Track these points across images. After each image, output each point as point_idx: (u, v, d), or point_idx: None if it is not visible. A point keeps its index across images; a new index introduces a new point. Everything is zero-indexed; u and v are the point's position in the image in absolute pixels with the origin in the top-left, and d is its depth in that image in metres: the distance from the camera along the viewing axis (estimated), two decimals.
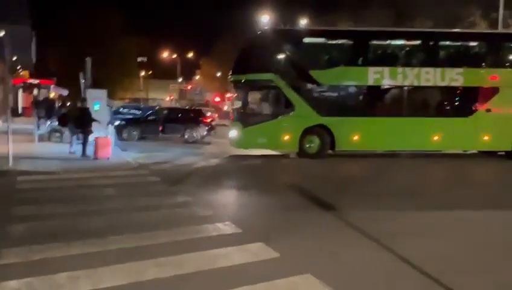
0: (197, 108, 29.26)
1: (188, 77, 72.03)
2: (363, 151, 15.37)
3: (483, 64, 15.26)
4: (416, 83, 14.69)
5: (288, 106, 14.53)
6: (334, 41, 15.73)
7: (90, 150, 13.02)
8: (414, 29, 20.81)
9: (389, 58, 15.12)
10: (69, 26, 42.40)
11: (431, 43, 15.39)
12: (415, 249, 5.58)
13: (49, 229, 6.12)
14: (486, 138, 14.79)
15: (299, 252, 5.47)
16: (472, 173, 13.38)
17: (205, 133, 20.32)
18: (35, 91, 30.29)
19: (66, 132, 15.03)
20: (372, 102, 15.21)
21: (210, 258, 5.12)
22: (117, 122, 19.06)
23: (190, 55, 67.75)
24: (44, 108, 20.20)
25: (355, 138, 14.57)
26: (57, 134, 16.64)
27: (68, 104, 25.48)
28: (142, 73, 65.43)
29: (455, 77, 14.63)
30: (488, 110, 14.78)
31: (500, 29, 22.12)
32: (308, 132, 14.52)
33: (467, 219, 7.31)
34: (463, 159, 15.63)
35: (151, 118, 20.69)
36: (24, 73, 37.86)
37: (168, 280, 4.53)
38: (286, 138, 14.52)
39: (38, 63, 48.65)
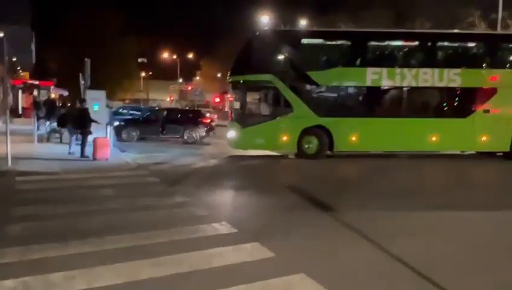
0: (196, 109, 29.33)
1: (188, 77, 72.15)
2: (362, 151, 15.40)
3: (481, 65, 15.28)
4: (414, 84, 14.74)
5: (287, 106, 14.57)
6: (332, 42, 15.78)
7: (89, 150, 13.06)
8: (412, 30, 20.86)
9: (387, 59, 15.17)
10: (69, 26, 42.51)
11: (429, 44, 15.44)
12: (411, 249, 5.60)
13: (47, 229, 6.16)
14: (484, 138, 14.83)
15: (294, 252, 5.50)
16: (470, 173, 13.41)
17: (204, 133, 20.37)
18: (35, 92, 30.40)
19: (65, 132, 15.08)
20: (370, 103, 15.25)
21: (206, 257, 5.15)
22: (116, 123, 19.12)
23: (190, 56, 67.91)
24: (45, 109, 20.25)
25: (354, 138, 14.62)
26: (56, 135, 16.69)
27: (68, 104, 25.50)
28: (143, 74, 65.57)
29: (453, 78, 14.67)
30: (486, 111, 14.82)
31: (499, 30, 22.19)
32: (306, 132, 14.56)
33: (464, 219, 7.32)
34: (461, 160, 15.66)
35: (150, 118, 20.75)
36: (24, 74, 37.95)
37: (164, 279, 4.56)
38: (284, 138, 14.56)
39: (38, 63, 48.73)
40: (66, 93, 34.26)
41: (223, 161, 14.42)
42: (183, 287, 4.38)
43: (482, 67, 15.19)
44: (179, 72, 66.05)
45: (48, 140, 16.90)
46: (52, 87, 32.11)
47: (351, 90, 15.51)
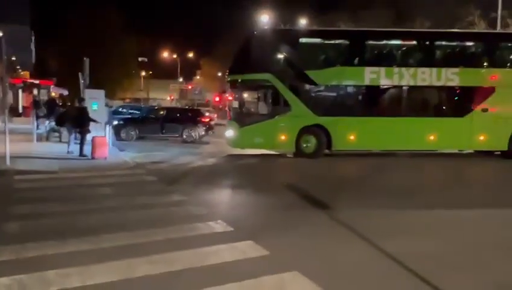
0: (195, 108, 29.37)
1: (189, 77, 72.23)
2: (360, 150, 15.43)
3: (479, 64, 15.31)
4: (412, 83, 14.79)
5: (285, 105, 14.61)
6: (330, 42, 15.84)
7: (87, 149, 13.12)
8: (410, 29, 20.89)
9: (385, 59, 15.21)
10: (69, 26, 42.50)
11: (427, 43, 15.49)
12: (407, 247, 5.62)
13: (44, 227, 6.20)
14: (482, 137, 14.87)
15: (289, 250, 5.53)
16: (468, 172, 13.47)
17: (203, 132, 20.42)
18: (35, 91, 30.45)
19: (65, 131, 15.14)
20: (369, 102, 15.29)
21: (200, 255, 5.19)
22: (115, 122, 19.19)
23: (190, 55, 67.98)
24: (46, 108, 20.31)
25: (352, 137, 14.66)
26: (56, 134, 16.75)
27: (68, 104, 25.56)
28: (143, 73, 65.62)
29: (451, 77, 14.71)
30: (484, 110, 14.85)
31: (499, 29, 22.20)
32: (304, 131, 14.60)
33: (461, 217, 7.34)
34: (459, 159, 15.72)
35: (149, 117, 20.81)
36: (24, 73, 38.03)
37: (158, 276, 4.60)
38: (283, 137, 14.61)
39: (38, 63, 48.82)
40: (66, 92, 34.28)
41: (222, 160, 14.47)
42: (176, 285, 4.42)
43: (480, 66, 15.22)
44: (179, 71, 66.13)
45: (47, 139, 16.96)
46: (52, 86, 32.15)
47: (349, 89, 15.56)
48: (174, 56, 66.51)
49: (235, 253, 5.31)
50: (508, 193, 9.81)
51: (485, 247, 5.83)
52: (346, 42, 15.57)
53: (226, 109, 16.83)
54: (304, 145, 14.68)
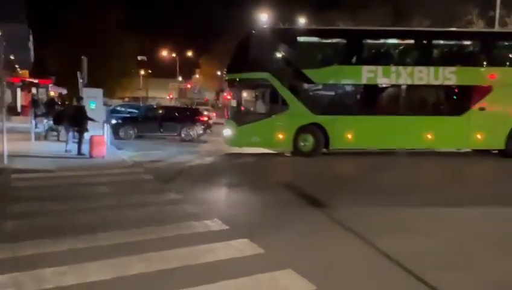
0: (193, 107, 29.39)
1: (188, 75, 72.27)
2: (357, 149, 15.46)
3: (477, 63, 15.32)
4: (409, 82, 14.81)
5: (282, 104, 14.63)
6: (327, 40, 15.85)
7: (85, 148, 13.14)
8: (407, 28, 20.92)
9: (382, 57, 15.23)
10: (68, 25, 42.45)
11: (424, 42, 15.50)
12: (403, 246, 5.65)
13: (40, 226, 6.24)
14: (479, 136, 14.91)
15: (283, 248, 5.56)
16: (464, 170, 13.50)
17: (201, 131, 20.45)
18: (33, 90, 30.48)
19: (63, 130, 15.15)
20: (366, 101, 15.30)
21: (195, 253, 5.22)
22: (114, 121, 19.21)
23: (189, 54, 67.99)
24: (45, 107, 20.34)
25: (349, 136, 14.69)
26: (54, 133, 16.77)
27: (67, 103, 25.60)
28: (142, 72, 65.62)
29: (448, 76, 14.74)
30: (481, 109, 14.88)
31: (497, 28, 22.23)
32: (302, 130, 14.63)
33: (458, 216, 7.37)
34: (456, 157, 15.75)
35: (147, 116, 20.83)
36: (23, 72, 38.01)
37: (153, 274, 4.63)
38: (280, 136, 14.63)
39: (37, 62, 48.77)
40: (64, 91, 34.30)
41: (219, 159, 14.51)
42: (170, 283, 4.45)
43: (478, 65, 15.23)
44: (178, 70, 66.15)
45: (46, 138, 16.97)
46: (50, 85, 32.19)
47: (346, 88, 15.59)
48: (173, 55, 66.54)
49: (230, 251, 5.34)
50: (505, 191, 9.84)
51: (482, 246, 5.86)
52: (344, 41, 15.58)
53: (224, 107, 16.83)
54: (302, 144, 14.71)
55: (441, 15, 28.16)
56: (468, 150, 16.11)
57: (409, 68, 14.77)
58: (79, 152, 13.14)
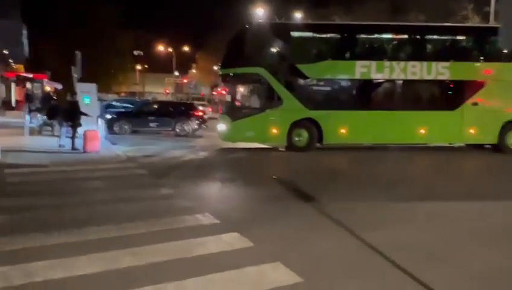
0: (188, 101, 29.37)
1: (184, 70, 72.05)
2: (351, 144, 15.52)
3: (470, 58, 15.37)
4: (402, 77, 14.85)
5: (276, 99, 14.64)
6: (321, 35, 15.83)
7: (79, 143, 13.14)
8: (400, 23, 20.93)
9: (375, 52, 15.25)
10: (63, 19, 42.22)
11: (417, 37, 15.51)
12: (391, 239, 5.71)
13: (32, 220, 6.27)
14: (472, 131, 14.98)
15: (273, 241, 5.61)
16: (457, 165, 13.59)
17: (196, 126, 20.44)
18: (28, 85, 30.33)
19: (57, 125, 15.13)
20: (359, 95, 15.36)
21: (185, 247, 5.27)
22: (109, 116, 19.19)
23: (186, 49, 67.80)
24: (41, 102, 20.27)
25: (343, 131, 14.73)
26: (48, 127, 16.74)
27: (60, 97, 25.45)
28: (138, 67, 65.44)
29: (441, 71, 14.77)
30: (475, 104, 14.94)
31: (492, 23, 22.24)
32: (296, 125, 14.66)
33: (446, 209, 7.44)
34: (449, 152, 15.85)
35: (142, 111, 20.80)
36: (18, 67, 37.83)
37: (142, 267, 4.68)
38: (274, 131, 14.66)
39: (32, 56, 48.52)
40: (60, 86, 34.09)
41: (213, 154, 14.54)
42: (160, 276, 4.49)
43: (471, 60, 15.27)
44: (174, 65, 65.96)
45: (40, 133, 16.94)
46: (45, 80, 32.00)
47: (340, 83, 15.62)
48: (170, 50, 66.35)
49: (220, 245, 5.39)
50: (495, 186, 9.90)
51: (469, 239, 5.92)
52: (337, 36, 15.60)
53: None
54: (296, 138, 14.75)
55: (436, 10, 28.20)
56: (462, 144, 16.19)
57: (403, 63, 14.80)
58: (73, 147, 13.15)
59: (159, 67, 68.75)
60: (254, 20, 25.17)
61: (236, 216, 6.79)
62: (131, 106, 23.32)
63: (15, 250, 5.08)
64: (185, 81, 61.68)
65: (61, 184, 8.83)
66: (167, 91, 61.76)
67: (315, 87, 15.51)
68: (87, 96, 15.53)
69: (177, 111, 20.83)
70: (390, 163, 13.22)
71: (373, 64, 14.75)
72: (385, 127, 14.68)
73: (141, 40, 53.98)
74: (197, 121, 20.56)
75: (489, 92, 14.87)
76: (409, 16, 30.72)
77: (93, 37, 40.98)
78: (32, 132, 16.86)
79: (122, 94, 53.18)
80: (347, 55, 15.09)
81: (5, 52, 26.96)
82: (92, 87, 16.38)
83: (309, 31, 15.70)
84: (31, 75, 31.06)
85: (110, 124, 18.56)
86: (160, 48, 65.83)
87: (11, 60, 33.49)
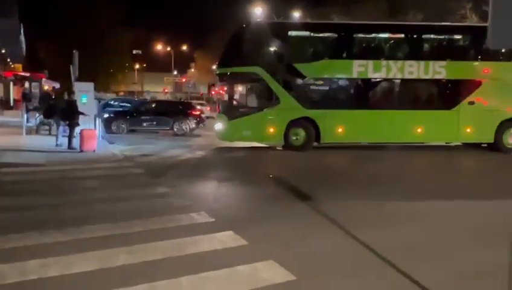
0: (186, 101, 29.39)
1: (183, 70, 72.08)
2: (348, 143, 15.55)
3: (467, 57, 15.42)
4: (400, 76, 14.91)
5: (274, 98, 14.68)
6: (318, 35, 15.88)
7: (76, 142, 13.15)
8: (397, 22, 20.98)
9: (373, 51, 15.28)
10: (61, 18, 42.21)
11: (414, 36, 15.55)
12: (384, 238, 5.73)
13: (27, 219, 6.27)
14: (469, 130, 15.03)
15: (267, 240, 5.62)
16: (453, 164, 13.65)
17: (194, 125, 20.47)
18: (26, 84, 30.36)
19: (55, 124, 15.14)
20: (357, 95, 15.42)
21: (179, 245, 5.29)
22: (106, 115, 19.20)
23: (184, 48, 67.80)
24: (39, 101, 20.27)
25: (340, 130, 14.77)
26: (46, 127, 16.75)
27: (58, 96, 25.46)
28: (137, 66, 65.44)
29: (438, 70, 14.83)
30: (471, 103, 14.98)
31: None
32: (293, 124, 14.69)
33: (441, 208, 7.46)
34: (446, 151, 15.89)
35: (140, 111, 20.83)
36: (17, 66, 37.83)
37: (136, 265, 4.69)
38: (271, 130, 14.69)
39: (31, 56, 48.46)
40: (57, 85, 34.11)
41: (211, 153, 14.56)
42: (153, 274, 4.51)
43: (467, 59, 15.32)
44: (173, 64, 65.97)
45: (37, 132, 16.95)
46: (44, 79, 32.00)
47: (337, 82, 15.66)
48: (168, 49, 66.37)
49: (213, 243, 5.41)
50: (490, 184, 9.94)
51: (462, 237, 5.94)
52: (334, 35, 15.64)
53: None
54: (293, 138, 14.78)
55: (434, 9, 28.22)
56: (459, 143, 16.24)
57: (400, 62, 14.85)
58: (69, 146, 13.16)
59: (157, 66, 68.80)
60: (252, 19, 25.15)
61: (231, 215, 6.81)
62: (129, 105, 23.34)
63: (11, 248, 5.09)
64: (184, 80, 61.70)
65: (57, 183, 8.85)
66: (166, 90, 61.79)
67: (312, 87, 15.56)
68: (84, 95, 15.53)
69: (175, 110, 20.87)
70: (387, 162, 13.25)
71: (370, 63, 14.78)
72: (382, 126, 14.72)
73: (140, 39, 53.97)
74: (194, 121, 20.60)
75: (486, 91, 14.91)
76: (407, 15, 30.75)
77: (92, 36, 41.01)
78: (29, 131, 16.86)
79: (121, 93, 53.24)
80: (344, 54, 15.12)
81: (3, 51, 26.93)
82: (90, 86, 16.38)
83: (306, 30, 15.74)
84: (28, 74, 31.05)
85: (107, 123, 18.57)
86: (159, 47, 65.87)
87: (8, 60, 33.48)
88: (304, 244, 5.53)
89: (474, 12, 28.42)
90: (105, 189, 8.40)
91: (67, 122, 13.59)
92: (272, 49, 15.16)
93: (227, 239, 5.56)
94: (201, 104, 33.55)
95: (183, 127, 20.06)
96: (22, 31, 28.16)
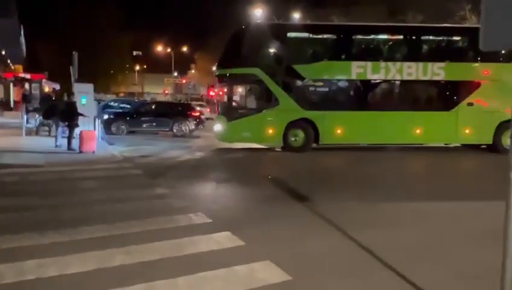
0: (185, 102, 29.43)
1: (183, 71, 72.17)
2: (347, 144, 15.57)
3: (465, 58, 15.44)
4: (398, 77, 14.94)
5: (273, 100, 14.71)
6: (317, 36, 15.93)
7: (75, 143, 13.18)
8: (396, 24, 21.02)
9: (371, 53, 15.32)
10: (62, 20, 42.27)
11: (413, 37, 15.59)
12: (381, 239, 5.74)
13: (26, 220, 6.29)
14: (467, 131, 15.06)
15: (264, 240, 5.64)
16: (452, 165, 13.64)
17: (193, 127, 20.51)
18: (26, 85, 30.40)
19: (54, 125, 15.17)
20: (355, 96, 15.44)
21: (176, 246, 5.31)
22: (106, 116, 19.24)
23: (185, 49, 67.90)
24: (40, 102, 20.32)
25: (339, 131, 14.80)
26: (45, 128, 16.78)
27: (58, 98, 25.52)
28: (137, 67, 65.52)
29: (437, 72, 14.86)
30: (470, 104, 15.01)
31: None
32: (292, 125, 14.72)
33: (439, 209, 7.47)
34: (445, 152, 15.91)
35: (139, 112, 20.86)
36: (17, 67, 37.83)
37: (133, 266, 4.71)
38: (270, 131, 14.72)
39: (31, 57, 48.48)
40: (58, 86, 34.15)
41: (210, 154, 14.58)
42: (150, 274, 4.53)
43: (466, 61, 15.35)
44: (173, 65, 66.06)
45: (37, 133, 16.98)
46: (44, 80, 32.04)
47: (336, 83, 15.69)
48: (169, 50, 66.46)
49: (211, 244, 5.43)
50: (487, 186, 9.92)
51: (460, 239, 5.93)
52: (333, 37, 15.68)
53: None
54: (292, 139, 14.81)
55: (433, 11, 28.26)
56: (457, 145, 16.25)
57: (398, 64, 14.88)
58: (68, 147, 13.18)
59: (158, 67, 68.87)
60: (252, 20, 25.20)
61: (229, 216, 6.83)
62: (128, 106, 23.37)
63: (8, 248, 5.11)
64: (184, 81, 61.76)
65: (56, 184, 8.85)
66: (166, 92, 61.84)
67: (311, 88, 15.59)
68: (84, 96, 15.56)
69: (175, 111, 20.91)
70: (385, 163, 13.26)
71: (369, 64, 14.81)
72: (381, 128, 14.75)
73: (140, 40, 54.05)
74: (194, 122, 20.63)
75: (484, 93, 14.94)
76: (407, 16, 30.80)
77: (92, 36, 41.05)
78: (29, 132, 16.89)
79: (121, 94, 53.26)
80: (343, 55, 15.15)
81: (3, 52, 26.96)
82: (90, 87, 16.42)
83: (305, 32, 15.78)
84: (28, 76, 31.09)
85: (107, 125, 18.60)
86: (160, 48, 65.95)
87: (9, 61, 33.49)
88: (300, 245, 5.55)
89: (473, 14, 28.46)
90: (104, 190, 8.42)
91: (67, 123, 13.63)
92: (271, 50, 15.19)
93: (224, 240, 5.58)
94: (201, 106, 33.59)
95: (183, 128, 20.09)
96: (22, 32, 28.18)
